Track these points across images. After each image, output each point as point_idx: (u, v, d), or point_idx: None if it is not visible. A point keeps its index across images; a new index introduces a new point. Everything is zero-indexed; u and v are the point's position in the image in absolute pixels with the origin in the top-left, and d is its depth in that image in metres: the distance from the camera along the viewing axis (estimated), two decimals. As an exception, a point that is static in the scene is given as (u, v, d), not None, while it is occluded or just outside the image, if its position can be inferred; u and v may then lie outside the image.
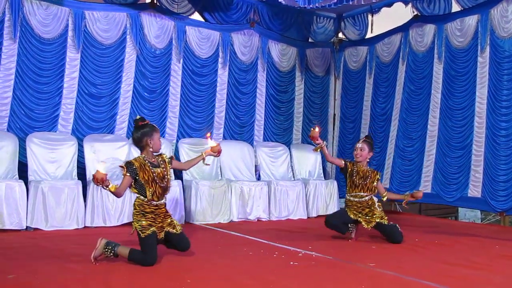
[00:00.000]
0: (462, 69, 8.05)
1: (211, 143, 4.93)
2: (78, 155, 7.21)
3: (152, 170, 4.44)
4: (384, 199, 6.01)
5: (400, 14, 9.03)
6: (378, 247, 5.53)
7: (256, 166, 8.72)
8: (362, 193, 5.85)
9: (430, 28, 8.57)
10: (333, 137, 10.31)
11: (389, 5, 9.18)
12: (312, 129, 5.59)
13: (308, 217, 8.28)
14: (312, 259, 4.84)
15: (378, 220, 5.77)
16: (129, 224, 6.80)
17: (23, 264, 4.34)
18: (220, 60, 8.90)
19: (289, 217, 8.11)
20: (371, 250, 5.37)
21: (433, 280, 3.94)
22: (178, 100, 8.46)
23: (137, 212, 4.46)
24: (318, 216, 8.34)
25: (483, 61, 7.74)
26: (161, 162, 4.59)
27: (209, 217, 7.38)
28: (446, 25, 8.29)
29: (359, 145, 5.94)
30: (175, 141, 8.34)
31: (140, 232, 4.36)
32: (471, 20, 7.92)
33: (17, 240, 5.61)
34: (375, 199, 5.96)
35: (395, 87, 9.15)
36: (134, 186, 4.46)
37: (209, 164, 5.10)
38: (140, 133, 4.53)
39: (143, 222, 4.39)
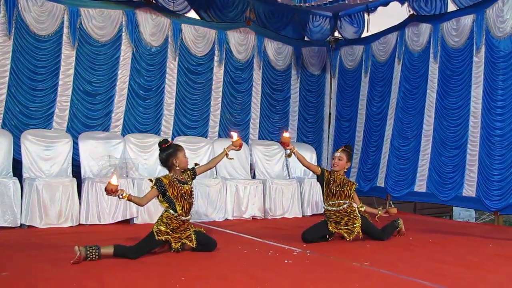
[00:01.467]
0: (457, 69, 8.06)
1: (234, 137, 5.15)
2: (73, 153, 7.18)
3: (180, 187, 4.70)
4: (362, 209, 5.84)
5: (396, 13, 9.05)
6: (373, 245, 5.54)
7: (251, 164, 8.72)
8: (340, 201, 5.66)
9: (426, 28, 8.58)
10: (328, 136, 10.32)
11: (385, 4, 9.20)
12: (282, 134, 5.38)
13: (303, 216, 8.28)
14: (307, 257, 4.84)
15: (358, 230, 5.64)
16: (123, 222, 6.80)
17: (17, 262, 4.33)
18: (215, 58, 8.89)
19: (284, 216, 8.11)
20: (366, 249, 5.38)
21: (427, 279, 3.95)
22: (173, 98, 8.45)
23: (162, 222, 4.68)
24: (313, 215, 8.34)
25: (479, 61, 7.75)
26: (188, 179, 4.83)
27: (204, 215, 7.37)
28: (442, 24, 8.31)
29: (337, 154, 5.80)
30: (170, 138, 8.31)
31: (155, 233, 4.59)
32: (467, 20, 7.94)
33: (11, 237, 5.59)
34: (355, 205, 5.77)
35: (390, 86, 9.16)
36: (163, 200, 4.70)
37: (232, 158, 5.29)
38: (166, 154, 4.79)
39: (162, 228, 4.63)
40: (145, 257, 4.59)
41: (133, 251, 4.46)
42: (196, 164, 5.01)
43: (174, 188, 4.67)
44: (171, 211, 4.65)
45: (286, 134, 5.38)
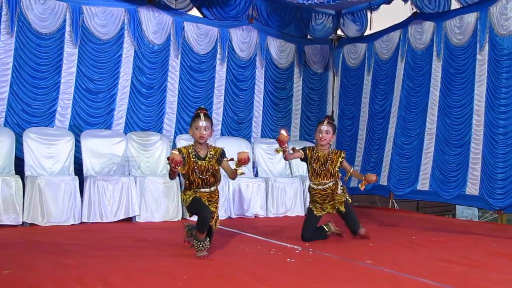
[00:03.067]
0: (461, 67, 8.03)
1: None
2: (75, 151, 7.18)
3: (194, 161, 4.55)
4: (347, 175, 5.72)
5: (399, 11, 9.02)
6: (375, 244, 5.52)
7: (253, 162, 8.71)
8: (325, 181, 5.51)
9: (429, 26, 8.55)
10: (331, 134, 10.28)
11: (388, 2, 9.17)
12: (281, 133, 5.17)
13: (305, 214, 8.25)
14: (309, 256, 4.82)
15: (338, 206, 5.53)
16: (125, 220, 6.79)
17: (19, 260, 4.32)
18: (218, 56, 8.88)
19: (286, 214, 8.10)
20: (368, 247, 5.36)
21: (430, 277, 3.93)
22: (176, 96, 8.45)
23: (184, 189, 4.71)
24: (316, 213, 8.32)
25: (482, 58, 7.72)
26: (210, 156, 4.64)
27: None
28: (445, 22, 8.28)
29: (324, 127, 5.49)
30: (172, 137, 8.32)
31: (184, 202, 4.67)
32: (470, 18, 7.91)
33: (13, 235, 5.59)
34: (340, 183, 5.61)
35: (393, 84, 9.13)
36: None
37: (244, 173, 4.69)
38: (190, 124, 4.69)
39: (186, 194, 4.64)
40: (147, 256, 4.59)
41: (199, 216, 4.51)
42: (224, 155, 4.74)
43: (189, 160, 4.55)
44: (187, 181, 4.64)
45: (284, 133, 5.21)
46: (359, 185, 5.63)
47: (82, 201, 6.61)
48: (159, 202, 7.05)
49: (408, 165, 8.70)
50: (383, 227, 6.97)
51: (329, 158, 5.53)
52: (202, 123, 4.54)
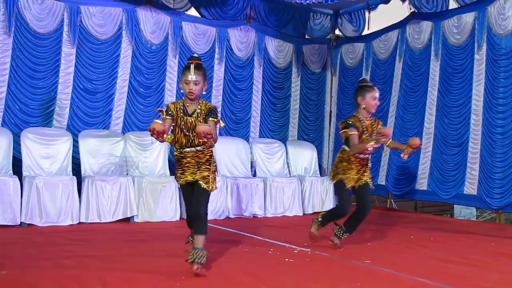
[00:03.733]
0: (458, 66, 8.04)
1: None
2: (73, 151, 7.17)
3: (181, 116, 4.06)
4: (386, 145, 5.20)
5: (397, 11, 9.02)
6: (374, 244, 5.52)
7: (252, 162, 8.70)
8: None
9: (427, 25, 8.55)
10: (329, 134, 10.30)
11: (386, 1, 9.18)
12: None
13: (303, 214, 8.26)
14: (308, 256, 4.83)
15: (367, 180, 5.27)
16: (123, 220, 6.78)
17: (17, 260, 4.32)
18: (216, 56, 8.87)
19: (284, 214, 8.10)
20: (367, 247, 5.36)
21: (428, 277, 3.94)
22: (174, 96, 8.43)
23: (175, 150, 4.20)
24: (314, 213, 8.32)
25: (480, 58, 7.73)
26: (199, 112, 4.07)
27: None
28: (443, 22, 8.28)
29: (377, 94, 5.10)
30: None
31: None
32: (468, 17, 7.91)
33: (11, 236, 5.58)
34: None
35: (391, 84, 9.14)
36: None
37: (209, 145, 4.07)
38: None
39: (177, 173, 4.19)
40: (145, 256, 4.58)
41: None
42: (212, 113, 4.07)
43: (177, 115, 4.07)
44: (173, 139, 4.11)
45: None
46: (402, 154, 5.10)
47: (80, 201, 6.59)
48: (157, 202, 7.03)
49: (407, 164, 8.71)
50: (381, 226, 6.97)
51: (373, 129, 5.15)
52: (192, 77, 3.99)
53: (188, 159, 4.09)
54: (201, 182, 4.06)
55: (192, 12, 8.78)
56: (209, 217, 7.20)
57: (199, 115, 4.06)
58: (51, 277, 3.76)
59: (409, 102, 8.76)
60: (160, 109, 4.13)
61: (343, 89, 10.14)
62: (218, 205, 7.49)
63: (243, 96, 9.25)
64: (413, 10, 8.73)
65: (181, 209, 7.23)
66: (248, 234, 6.04)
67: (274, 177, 8.33)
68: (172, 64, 8.41)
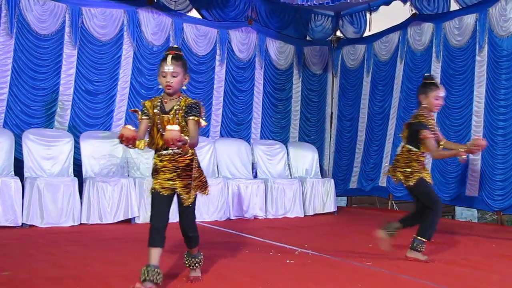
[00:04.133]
0: (460, 68, 8.04)
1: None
2: (74, 152, 7.17)
3: (157, 113, 3.50)
4: (441, 147, 4.83)
5: (398, 12, 9.03)
6: (375, 245, 5.51)
7: (253, 164, 8.70)
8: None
9: (428, 27, 8.56)
10: (330, 136, 10.29)
11: (387, 3, 9.19)
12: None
13: (304, 215, 8.26)
14: (309, 257, 4.82)
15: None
16: (124, 221, 6.78)
17: (19, 261, 4.32)
18: (217, 57, 8.88)
19: (285, 215, 8.09)
20: (368, 248, 5.35)
21: (429, 279, 3.93)
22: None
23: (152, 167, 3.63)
24: (315, 215, 8.33)
25: (481, 59, 7.73)
26: (177, 108, 3.50)
27: (205, 214, 7.35)
28: (444, 23, 8.29)
29: (442, 93, 4.79)
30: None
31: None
32: (470, 19, 7.92)
33: (13, 236, 5.58)
34: None
35: (393, 85, 9.14)
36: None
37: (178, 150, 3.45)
38: None
39: (153, 179, 3.58)
40: (146, 257, 4.57)
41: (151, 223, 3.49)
42: (193, 110, 3.46)
43: (154, 114, 3.52)
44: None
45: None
46: (460, 157, 4.63)
47: (81, 203, 6.59)
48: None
49: (407, 166, 8.68)
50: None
51: (436, 129, 4.88)
52: (169, 68, 3.50)
53: (165, 162, 3.47)
54: (183, 196, 3.48)
55: (194, 13, 8.80)
56: (210, 219, 7.30)
57: (177, 112, 3.47)
58: (52, 278, 3.76)
59: (410, 104, 8.74)
60: (135, 109, 3.69)
61: (344, 91, 10.14)
62: (219, 207, 7.49)
63: (244, 97, 9.25)
64: (414, 11, 8.74)
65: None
66: (249, 236, 6.03)
67: (275, 179, 8.32)
68: (174, 65, 8.39)
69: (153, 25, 8.21)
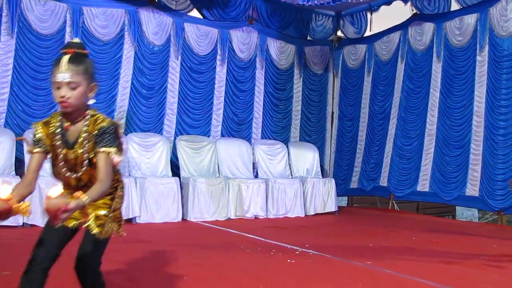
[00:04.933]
0: (461, 68, 8.04)
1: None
2: (75, 152, 7.16)
3: (59, 147, 2.42)
4: None
5: (399, 12, 9.03)
6: (375, 245, 5.52)
7: (253, 163, 8.71)
8: None
9: (429, 27, 8.56)
10: (331, 135, 10.29)
11: (388, 3, 9.19)
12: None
13: (305, 215, 8.26)
14: (309, 257, 4.83)
15: None
16: (126, 221, 6.76)
17: (19, 261, 4.30)
18: (218, 57, 8.88)
19: (286, 215, 8.09)
20: (368, 248, 5.36)
21: (430, 278, 3.93)
22: (176, 97, 8.44)
23: None
24: (316, 214, 8.33)
25: (482, 60, 7.73)
26: (85, 138, 2.40)
27: (206, 214, 7.36)
28: (445, 23, 8.29)
29: None
30: (172, 138, 8.31)
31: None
32: (470, 19, 7.92)
33: (14, 236, 5.59)
34: None
35: (393, 85, 9.14)
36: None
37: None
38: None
39: None
40: (147, 257, 4.58)
41: None
42: (105, 136, 2.37)
43: (53, 146, 2.43)
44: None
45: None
46: None
47: (82, 202, 6.58)
48: (159, 203, 7.04)
49: (408, 166, 8.71)
50: (383, 228, 6.97)
51: None
52: (64, 76, 2.32)
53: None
54: (92, 224, 2.49)
55: (194, 13, 8.80)
56: (211, 218, 7.29)
57: (85, 144, 2.39)
58: (53, 277, 3.75)
59: (411, 104, 8.76)
60: (22, 137, 2.58)
61: (345, 91, 10.14)
62: (220, 206, 7.49)
63: (245, 97, 9.26)
64: (415, 11, 8.74)
65: (183, 210, 7.24)
66: (250, 235, 6.04)
67: (276, 178, 8.33)
68: (174, 65, 8.42)
69: (154, 25, 8.22)
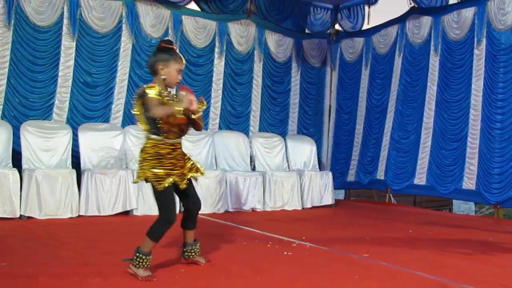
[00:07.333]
0: (458, 62, 8.05)
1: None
2: (72, 144, 7.17)
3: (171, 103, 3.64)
4: None
5: (397, 5, 9.02)
6: (372, 238, 5.54)
7: (251, 156, 8.71)
8: None
9: (426, 20, 8.55)
10: (328, 129, 10.31)
11: (386, -4, 9.17)
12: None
13: (302, 208, 8.27)
14: (306, 249, 4.84)
15: None
16: (123, 213, 6.79)
17: (16, 252, 4.33)
18: (216, 50, 8.87)
19: (283, 208, 8.11)
20: (365, 241, 5.38)
21: (427, 271, 3.95)
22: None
23: (149, 156, 3.63)
24: (313, 207, 8.35)
25: (479, 53, 7.74)
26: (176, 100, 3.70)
27: (204, 207, 7.31)
28: (443, 17, 8.29)
29: None
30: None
31: (155, 183, 3.54)
32: (468, 13, 7.92)
33: (10, 228, 5.59)
34: None
35: (391, 79, 9.14)
36: (145, 121, 3.66)
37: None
38: (155, 58, 3.70)
39: (157, 170, 3.56)
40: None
41: (164, 220, 3.64)
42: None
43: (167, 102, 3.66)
44: (154, 136, 3.66)
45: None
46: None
47: (79, 194, 6.59)
48: (156, 195, 7.03)
49: (405, 159, 8.73)
50: (380, 221, 6.99)
51: None
52: (183, 65, 3.84)
53: (179, 149, 3.80)
54: (194, 174, 3.86)
55: (192, 6, 8.78)
56: (208, 211, 7.30)
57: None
58: (50, 269, 3.77)
59: (409, 97, 8.77)
60: (150, 88, 3.54)
61: (342, 84, 10.14)
62: (217, 199, 7.50)
63: (243, 90, 9.25)
64: (413, 5, 8.73)
65: (180, 203, 7.22)
66: (247, 228, 6.05)
67: (273, 171, 8.33)
68: (172, 58, 8.38)
69: (152, 17, 8.20)
